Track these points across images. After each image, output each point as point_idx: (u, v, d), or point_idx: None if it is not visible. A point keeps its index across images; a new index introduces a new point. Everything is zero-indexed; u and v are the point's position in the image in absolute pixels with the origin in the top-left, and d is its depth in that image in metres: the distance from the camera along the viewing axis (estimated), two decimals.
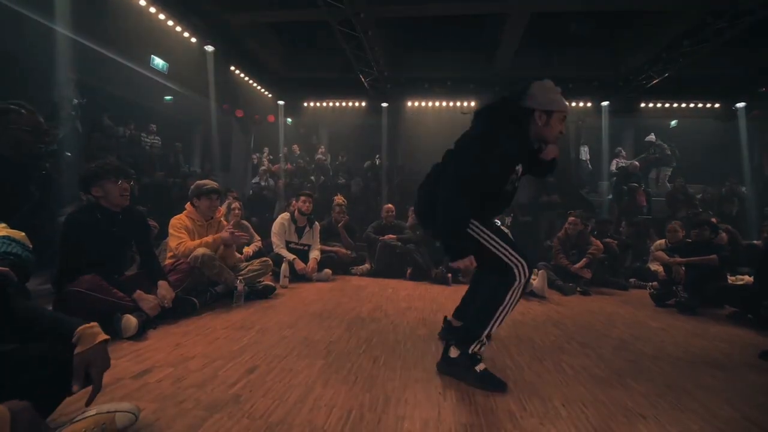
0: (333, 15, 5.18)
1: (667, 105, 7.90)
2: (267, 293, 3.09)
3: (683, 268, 3.73)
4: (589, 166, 8.60)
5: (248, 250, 3.97)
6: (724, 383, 1.77)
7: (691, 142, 9.03)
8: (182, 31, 5.42)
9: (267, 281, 3.29)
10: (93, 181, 2.20)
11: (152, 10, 4.76)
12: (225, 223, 3.23)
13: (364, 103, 8.63)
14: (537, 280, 3.81)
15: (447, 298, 3.49)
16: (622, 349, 2.21)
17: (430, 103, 8.29)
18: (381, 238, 4.78)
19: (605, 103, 7.75)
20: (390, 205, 5.27)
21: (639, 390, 1.63)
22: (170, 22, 5.14)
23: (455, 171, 1.62)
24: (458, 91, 7.77)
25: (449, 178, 1.61)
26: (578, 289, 4.12)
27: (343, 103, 8.82)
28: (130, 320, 1.95)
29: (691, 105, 7.87)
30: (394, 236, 4.79)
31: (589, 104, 7.93)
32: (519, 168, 1.76)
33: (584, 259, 4.29)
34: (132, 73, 6.44)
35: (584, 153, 7.99)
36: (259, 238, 4.33)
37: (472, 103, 7.65)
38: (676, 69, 6.24)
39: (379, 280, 4.38)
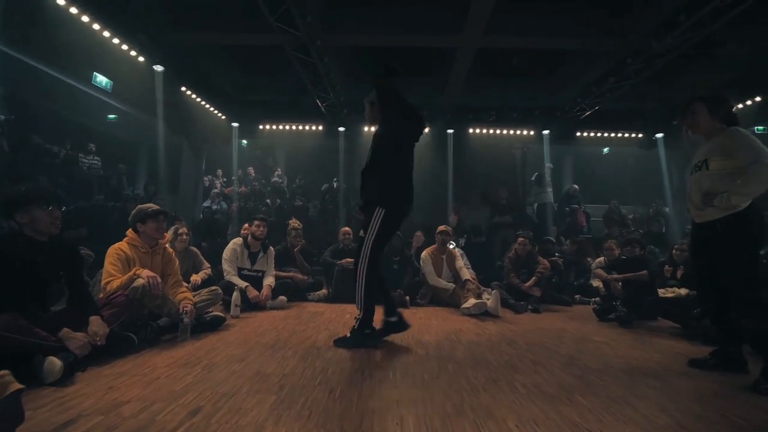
0: (288, 41, 5.23)
1: (599, 134, 8.75)
2: (216, 325, 2.91)
3: (620, 283, 4.04)
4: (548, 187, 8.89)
5: (196, 278, 3.73)
6: (660, 392, 1.90)
7: (621, 168, 10.01)
8: (129, 50, 5.18)
9: (217, 312, 3.10)
10: (19, 206, 2.00)
11: (96, 26, 4.52)
12: (170, 250, 3.03)
13: (321, 127, 8.67)
14: (491, 300, 3.94)
15: None
16: (570, 365, 2.32)
17: None
18: (338, 262, 4.72)
19: (546, 132, 8.42)
20: (347, 228, 5.26)
21: (586, 405, 1.71)
22: (116, 40, 4.90)
23: None
24: None
25: None
26: (529, 307, 4.30)
27: (300, 126, 8.79)
28: (54, 363, 1.73)
29: (619, 134, 8.78)
30: (352, 260, 4.75)
31: (532, 132, 8.57)
32: None
33: (534, 278, 4.50)
34: (72, 90, 6.02)
35: (548, 172, 8.47)
36: (209, 265, 4.08)
37: (426, 129, 7.96)
38: (605, 102, 6.99)
39: (337, 305, 4.29)
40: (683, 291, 3.80)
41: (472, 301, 3.95)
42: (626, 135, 8.76)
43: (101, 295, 2.51)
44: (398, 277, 4.70)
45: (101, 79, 5.94)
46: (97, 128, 8.23)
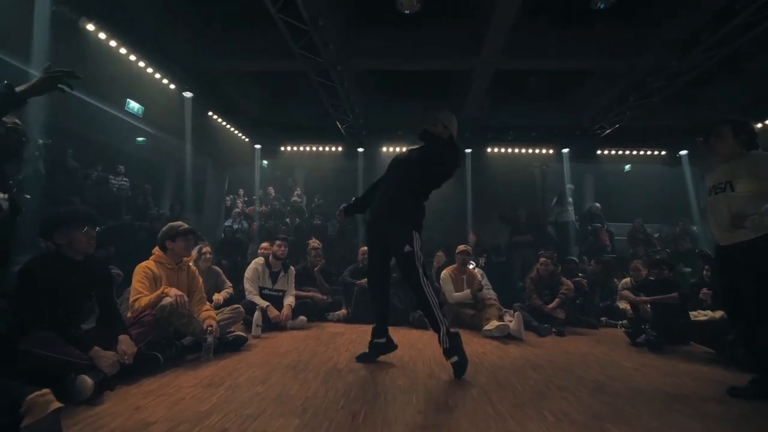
0: (311, 67, 5.43)
1: (620, 152, 8.59)
2: (238, 345, 2.93)
3: (649, 306, 3.89)
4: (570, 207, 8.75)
5: (218, 297, 3.80)
6: (696, 422, 1.81)
7: (645, 186, 9.75)
8: (161, 78, 5.50)
9: (238, 331, 3.13)
10: (58, 227, 2.10)
11: (132, 57, 4.83)
12: (195, 268, 3.11)
13: (340, 148, 8.84)
14: (513, 322, 3.84)
15: (426, 343, 3.44)
16: (599, 391, 2.23)
17: (404, 149, 8.58)
18: (358, 282, 4.72)
19: (565, 150, 8.33)
20: (366, 248, 5.27)
21: None
22: (149, 69, 5.22)
23: None
24: None
25: None
26: (553, 329, 4.17)
27: (320, 148, 8.98)
28: (86, 381, 1.79)
29: (641, 152, 8.58)
30: None
31: (551, 151, 8.48)
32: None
33: (557, 300, 4.38)
34: (105, 116, 6.38)
35: (568, 192, 8.36)
36: (231, 285, 4.16)
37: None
38: (626, 120, 6.89)
39: (357, 326, 4.26)
40: (717, 314, 3.62)
41: (494, 323, 3.86)
42: (649, 152, 8.56)
43: (129, 314, 2.59)
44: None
45: (134, 105, 6.27)
46: (126, 151, 8.64)
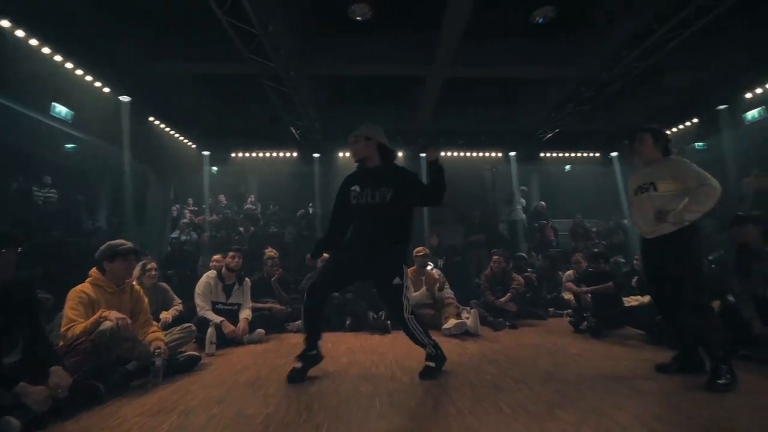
0: (262, 71, 5.29)
1: (561, 154, 9.33)
2: (191, 365, 2.77)
3: (589, 295, 4.23)
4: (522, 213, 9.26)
5: (167, 315, 3.57)
6: (632, 400, 2.00)
7: (583, 184, 10.59)
8: (93, 81, 5.07)
9: (190, 351, 2.96)
10: None
11: (57, 58, 4.41)
12: (138, 287, 2.90)
13: (295, 153, 8.68)
14: (470, 319, 3.99)
15: (387, 347, 3.47)
16: (549, 380, 2.38)
17: (354, 187, 8.62)
18: None
19: (512, 153, 8.85)
20: (325, 254, 5.20)
21: (567, 419, 1.76)
22: (79, 71, 4.79)
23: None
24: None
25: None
26: (507, 323, 4.39)
27: (274, 153, 8.76)
28: (11, 423, 1.59)
29: (579, 154, 9.39)
30: None
31: (500, 154, 8.99)
32: (354, 188, 2.64)
33: (508, 294, 4.62)
34: (27, 121, 5.74)
35: (518, 193, 8.82)
36: (180, 301, 3.91)
37: (399, 154, 8.13)
38: (565, 125, 7.48)
39: None
40: (646, 299, 4.02)
41: (452, 322, 3.98)
42: (585, 154, 9.38)
43: (61, 343, 2.35)
44: (379, 301, 4.67)
45: (60, 110, 5.70)
46: (54, 160, 7.84)
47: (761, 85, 6.19)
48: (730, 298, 3.16)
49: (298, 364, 2.48)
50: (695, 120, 7.51)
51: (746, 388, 2.11)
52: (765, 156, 7.51)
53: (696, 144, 8.33)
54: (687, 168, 2.39)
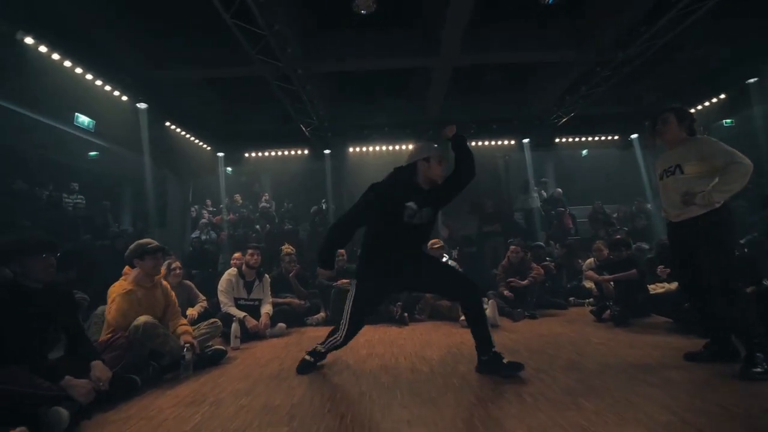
0: (270, 72, 5.35)
1: (577, 139, 9.07)
2: (218, 359, 2.88)
3: (612, 283, 4.15)
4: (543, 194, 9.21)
5: (192, 311, 3.71)
6: (659, 389, 1.96)
7: (601, 169, 10.32)
8: (112, 90, 5.24)
9: (217, 345, 3.07)
10: (11, 256, 1.99)
11: (78, 70, 4.57)
12: (167, 284, 3.03)
13: (306, 151, 8.76)
14: (488, 310, 3.96)
15: (406, 339, 3.51)
16: (571, 369, 2.37)
17: (371, 148, 8.66)
18: (334, 284, 4.72)
19: (526, 140, 8.68)
20: (341, 250, 5.27)
21: (590, 408, 1.75)
22: (98, 81, 4.96)
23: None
24: (396, 136, 8.24)
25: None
26: (526, 313, 4.36)
27: (285, 152, 8.86)
28: (60, 413, 1.71)
29: (597, 138, 9.11)
30: (347, 281, 4.76)
31: (512, 141, 8.83)
32: (410, 205, 2.33)
33: (527, 280, 4.58)
34: (53, 132, 5.99)
35: (543, 184, 8.68)
36: (204, 298, 4.06)
37: (410, 146, 8.11)
38: (580, 109, 7.27)
39: None
40: (673, 285, 3.90)
41: None
42: (603, 138, 9.09)
43: (101, 338, 2.49)
44: (396, 295, 4.71)
45: (83, 119, 5.92)
46: (79, 167, 8.15)
47: None
48: (766, 282, 3.03)
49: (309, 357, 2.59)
50: (722, 96, 7.16)
51: None
52: None
53: (724, 121, 7.97)
54: (715, 146, 2.26)
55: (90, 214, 7.28)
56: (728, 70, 6.64)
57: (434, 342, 3.36)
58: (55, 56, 4.28)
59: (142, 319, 2.45)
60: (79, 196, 7.32)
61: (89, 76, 4.79)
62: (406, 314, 4.38)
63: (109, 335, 2.45)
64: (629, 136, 8.80)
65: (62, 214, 6.53)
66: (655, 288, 4.21)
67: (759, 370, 2.02)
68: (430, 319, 4.58)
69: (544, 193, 8.87)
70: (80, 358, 2.10)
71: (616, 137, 9.03)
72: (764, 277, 3.08)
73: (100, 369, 2.04)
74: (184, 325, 2.83)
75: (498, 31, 5.66)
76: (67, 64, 4.43)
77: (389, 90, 7.34)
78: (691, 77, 7.09)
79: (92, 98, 5.20)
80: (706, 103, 7.39)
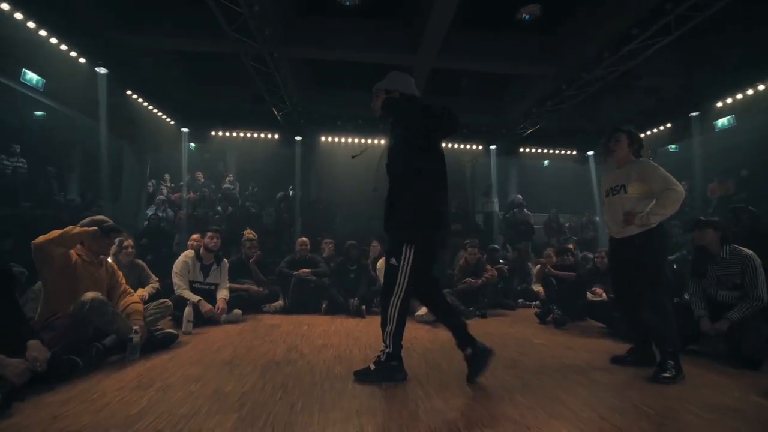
0: (245, 50, 5.18)
1: (539, 150, 9.58)
2: (168, 342, 2.81)
3: (554, 281, 4.45)
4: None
5: (143, 292, 3.57)
6: (585, 388, 2.17)
7: (559, 180, 10.96)
8: (68, 50, 4.83)
9: (167, 328, 3.00)
10: None
11: (31, 24, 4.18)
12: (113, 263, 2.90)
13: (276, 135, 8.55)
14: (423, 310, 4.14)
15: (362, 331, 3.59)
16: (512, 367, 2.56)
17: (342, 139, 8.61)
18: (295, 273, 4.71)
19: (493, 147, 9.04)
20: (304, 239, 5.25)
21: (525, 404, 1.92)
22: (53, 39, 4.56)
23: None
24: (369, 129, 8.25)
25: None
26: (477, 312, 4.59)
27: (255, 134, 8.61)
28: None
29: (557, 151, 9.67)
30: (308, 270, 4.77)
31: (480, 147, 9.15)
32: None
33: (480, 280, 4.81)
34: None
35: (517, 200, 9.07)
36: (156, 279, 3.91)
37: (382, 141, 8.15)
38: (544, 122, 7.67)
39: (294, 317, 4.29)
40: (604, 295, 4.31)
41: (424, 309, 4.13)
42: (563, 151, 9.66)
43: (36, 317, 2.36)
44: (354, 287, 4.79)
45: (31, 77, 5.44)
46: (23, 128, 7.47)
47: (731, 95, 6.49)
48: (686, 296, 3.39)
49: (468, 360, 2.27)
50: (668, 125, 7.83)
51: (690, 380, 2.31)
52: (732, 163, 7.97)
53: (669, 147, 8.72)
54: (654, 171, 2.49)
55: (32, 179, 6.72)
56: (676, 101, 7.27)
57: None
58: (5, 6, 3.89)
59: (90, 295, 2.34)
60: (20, 160, 6.74)
61: (43, 33, 4.40)
62: (363, 306, 4.46)
63: (44, 313, 2.31)
64: (586, 153, 9.40)
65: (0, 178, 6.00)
66: (593, 296, 4.61)
67: (667, 375, 2.29)
68: None
69: (525, 209, 9.23)
70: (14, 336, 1.98)
71: (574, 152, 9.63)
72: (686, 291, 3.45)
73: (36, 348, 1.94)
74: (137, 303, 2.73)
75: (476, 40, 5.84)
76: (18, 16, 4.04)
77: (367, 83, 7.31)
78: (645, 104, 7.68)
79: (44, 57, 4.80)
80: (655, 130, 8.04)
